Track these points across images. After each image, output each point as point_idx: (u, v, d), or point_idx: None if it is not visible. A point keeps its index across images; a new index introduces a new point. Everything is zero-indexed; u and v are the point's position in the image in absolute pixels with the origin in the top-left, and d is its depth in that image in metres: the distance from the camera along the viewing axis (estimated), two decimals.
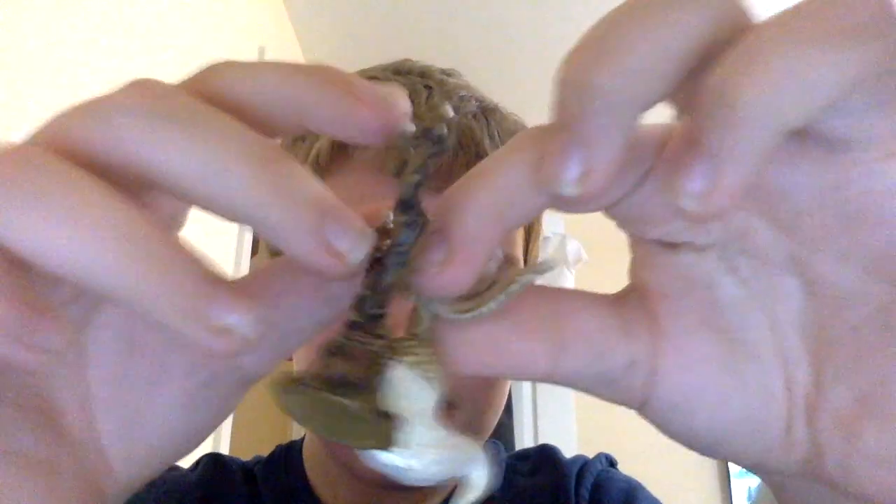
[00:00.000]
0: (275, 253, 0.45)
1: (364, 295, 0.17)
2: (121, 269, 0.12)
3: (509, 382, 0.44)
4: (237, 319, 0.13)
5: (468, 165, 0.22)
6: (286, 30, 1.82)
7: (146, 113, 0.14)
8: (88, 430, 0.18)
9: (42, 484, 0.16)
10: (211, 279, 0.13)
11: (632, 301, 0.19)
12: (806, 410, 0.17)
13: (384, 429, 0.17)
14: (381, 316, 0.17)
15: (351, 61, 1.95)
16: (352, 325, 0.17)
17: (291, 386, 0.17)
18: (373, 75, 0.44)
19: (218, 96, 0.15)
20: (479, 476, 0.19)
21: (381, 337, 0.17)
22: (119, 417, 0.18)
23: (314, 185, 0.14)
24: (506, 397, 0.45)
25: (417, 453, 0.18)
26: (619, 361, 0.17)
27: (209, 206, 0.14)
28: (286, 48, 1.82)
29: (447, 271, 0.15)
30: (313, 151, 0.43)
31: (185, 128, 0.13)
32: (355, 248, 0.14)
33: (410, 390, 0.17)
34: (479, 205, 0.16)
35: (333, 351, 0.17)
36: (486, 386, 0.41)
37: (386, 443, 0.17)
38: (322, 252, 0.14)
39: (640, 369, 0.18)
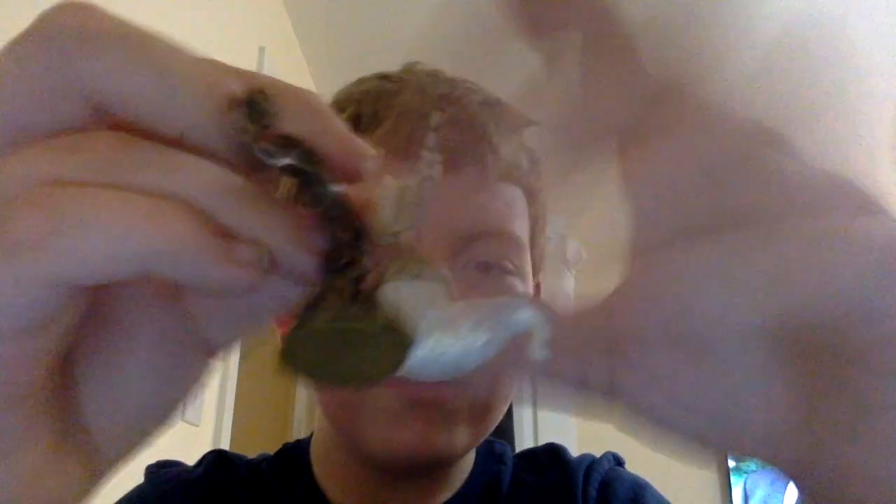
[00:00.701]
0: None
1: (333, 248, 0.17)
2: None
3: None
4: (251, 252, 0.15)
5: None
6: (286, 30, 1.82)
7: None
8: (76, 411, 0.19)
9: (64, 470, 0.17)
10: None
11: (595, 314, 0.18)
12: (807, 416, 0.17)
13: (398, 342, 0.17)
14: (353, 262, 0.17)
15: (351, 61, 1.96)
16: (330, 276, 0.17)
17: (295, 334, 0.17)
18: (370, 87, 0.44)
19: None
20: (531, 315, 0.17)
21: (358, 277, 0.17)
22: (96, 394, 0.19)
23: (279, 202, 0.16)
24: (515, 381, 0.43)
25: (449, 331, 0.17)
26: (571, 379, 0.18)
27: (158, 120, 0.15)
28: (286, 48, 1.82)
29: None
30: None
31: (133, 47, 0.15)
32: (253, 262, 0.15)
33: (410, 291, 0.17)
34: None
35: (320, 297, 0.17)
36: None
37: (402, 356, 0.17)
38: (302, 249, 0.16)
39: (597, 387, 0.18)
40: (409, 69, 0.46)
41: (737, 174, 0.15)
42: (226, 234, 0.15)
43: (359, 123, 0.40)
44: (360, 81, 0.45)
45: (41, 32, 0.15)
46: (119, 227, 0.14)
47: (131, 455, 0.20)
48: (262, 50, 1.56)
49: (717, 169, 0.15)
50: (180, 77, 0.15)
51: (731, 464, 2.22)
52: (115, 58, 0.14)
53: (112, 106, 0.15)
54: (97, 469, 0.19)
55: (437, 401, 0.38)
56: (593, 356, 0.18)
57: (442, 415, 0.39)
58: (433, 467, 0.43)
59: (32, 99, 0.15)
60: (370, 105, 0.41)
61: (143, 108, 0.15)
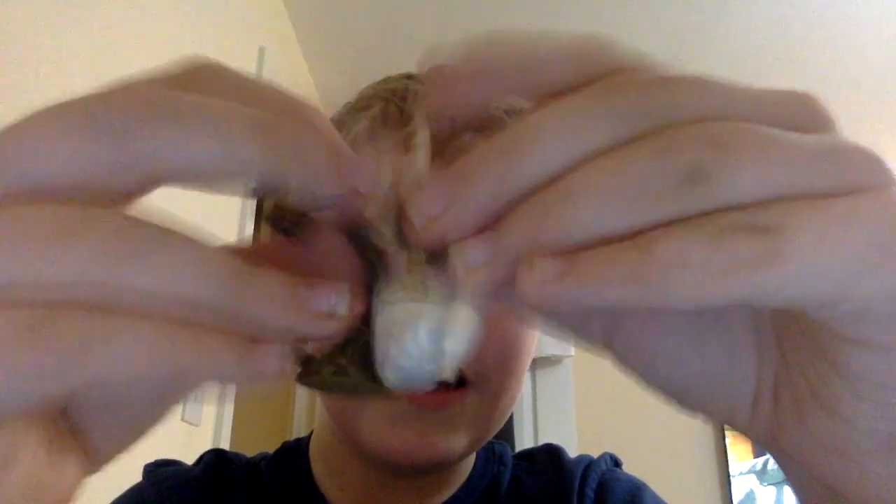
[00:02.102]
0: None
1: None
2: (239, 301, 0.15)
3: (527, 369, 0.43)
4: (335, 302, 0.15)
5: None
6: (286, 30, 1.82)
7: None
8: (70, 413, 0.19)
9: (70, 467, 0.19)
10: (301, 281, 0.15)
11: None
12: (773, 387, 0.19)
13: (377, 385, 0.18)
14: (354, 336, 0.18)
15: (350, 61, 1.96)
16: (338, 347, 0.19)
17: (306, 379, 0.19)
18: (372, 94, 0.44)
19: None
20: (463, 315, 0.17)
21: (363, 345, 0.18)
22: (95, 404, 0.19)
23: (277, 276, 0.15)
24: (523, 385, 0.43)
25: (408, 342, 0.17)
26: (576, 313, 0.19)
27: (224, 178, 0.15)
28: (286, 48, 1.82)
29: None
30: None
31: (188, 120, 0.14)
32: (337, 304, 0.16)
33: (404, 315, 0.17)
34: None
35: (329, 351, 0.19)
36: (504, 369, 0.40)
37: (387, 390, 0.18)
38: (312, 321, 0.15)
39: (597, 324, 0.20)
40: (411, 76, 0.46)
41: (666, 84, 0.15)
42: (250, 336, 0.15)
43: (385, 122, 0.40)
44: (387, 80, 0.45)
45: (107, 103, 0.14)
46: (160, 351, 0.14)
47: (128, 449, 0.21)
48: (261, 50, 1.56)
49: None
50: (243, 156, 0.15)
51: (732, 465, 2.22)
52: (175, 143, 0.14)
53: (161, 181, 0.15)
54: (93, 468, 0.20)
55: (439, 404, 0.38)
56: (594, 316, 0.20)
57: (442, 418, 0.39)
58: (431, 469, 0.43)
59: (68, 165, 0.14)
60: (396, 104, 0.41)
61: (199, 183, 0.15)
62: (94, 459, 0.20)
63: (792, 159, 0.14)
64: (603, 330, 0.20)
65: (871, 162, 0.14)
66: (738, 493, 2.19)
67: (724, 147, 0.14)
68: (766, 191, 0.14)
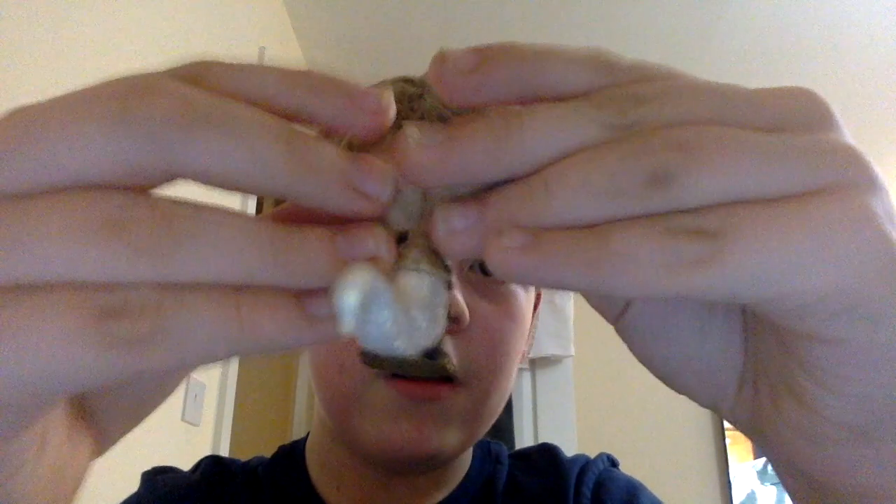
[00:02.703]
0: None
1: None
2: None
3: (516, 368, 0.45)
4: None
5: None
6: (286, 30, 1.82)
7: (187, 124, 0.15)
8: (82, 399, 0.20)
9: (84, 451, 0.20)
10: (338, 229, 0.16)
11: None
12: (754, 375, 0.20)
13: None
14: None
15: (350, 61, 1.96)
16: None
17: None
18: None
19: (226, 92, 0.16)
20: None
21: None
22: (104, 398, 0.21)
23: (332, 150, 0.16)
24: (512, 383, 0.44)
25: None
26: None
27: (253, 190, 0.16)
28: (286, 48, 1.82)
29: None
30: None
31: (222, 130, 0.15)
32: (382, 187, 0.17)
33: (417, 283, 0.18)
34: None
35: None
36: (493, 367, 0.42)
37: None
38: (356, 198, 0.16)
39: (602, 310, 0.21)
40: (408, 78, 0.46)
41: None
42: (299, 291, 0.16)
43: None
44: (382, 83, 0.45)
45: (135, 104, 0.14)
46: (217, 328, 0.15)
47: (130, 431, 0.22)
48: (262, 50, 1.56)
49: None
50: (271, 164, 0.15)
51: (732, 465, 2.22)
52: (208, 147, 0.15)
53: (191, 179, 0.15)
54: (100, 452, 0.21)
55: (433, 396, 0.39)
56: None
57: (436, 413, 0.40)
58: (427, 465, 0.43)
59: (102, 160, 0.14)
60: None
61: (228, 183, 0.15)
62: (102, 443, 0.21)
63: (753, 164, 0.15)
64: (619, 305, 0.21)
65: (847, 162, 0.15)
66: (738, 493, 2.19)
67: (689, 151, 0.15)
68: (721, 195, 0.15)
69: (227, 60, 0.17)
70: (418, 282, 0.18)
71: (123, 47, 0.98)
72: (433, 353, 0.38)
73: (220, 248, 0.15)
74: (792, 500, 0.21)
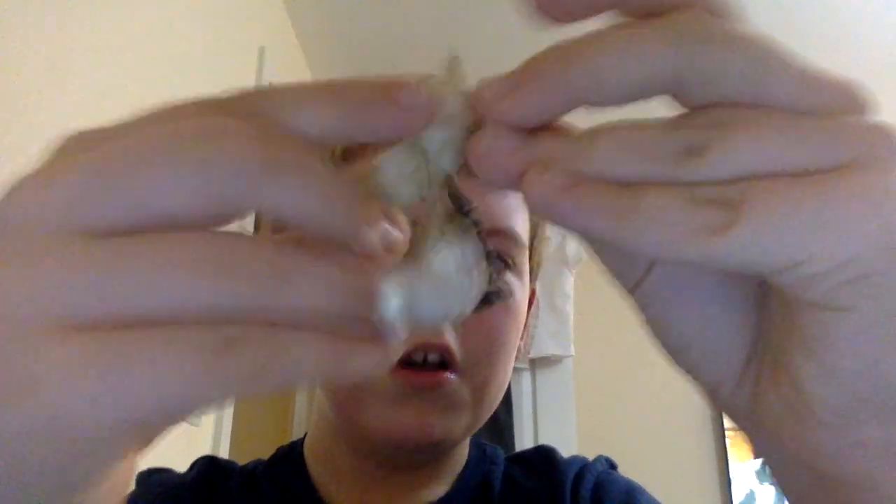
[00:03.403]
0: (277, 230, 0.46)
1: None
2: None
3: (512, 359, 0.46)
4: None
5: None
6: (286, 30, 1.82)
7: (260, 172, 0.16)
8: None
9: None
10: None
11: None
12: (761, 356, 0.20)
13: None
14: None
15: (351, 61, 1.96)
16: None
17: None
18: None
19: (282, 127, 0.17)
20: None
21: None
22: None
23: (377, 206, 0.18)
24: (509, 374, 0.46)
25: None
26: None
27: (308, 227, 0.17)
28: (286, 48, 1.82)
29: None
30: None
31: (296, 178, 0.16)
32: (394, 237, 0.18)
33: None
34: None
35: None
36: (491, 358, 0.44)
37: None
38: (382, 238, 0.17)
39: (643, 258, 0.21)
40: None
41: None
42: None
43: None
44: None
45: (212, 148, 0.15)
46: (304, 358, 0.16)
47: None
48: (261, 50, 1.56)
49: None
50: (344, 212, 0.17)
51: (732, 465, 2.22)
52: (283, 192, 0.16)
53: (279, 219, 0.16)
54: (146, 444, 0.21)
55: (435, 384, 0.41)
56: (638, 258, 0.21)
57: (437, 400, 0.41)
58: (431, 453, 0.44)
59: (190, 200, 0.15)
60: None
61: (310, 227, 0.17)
62: (145, 444, 0.21)
63: (780, 141, 0.16)
64: (639, 272, 0.21)
65: (873, 140, 0.16)
66: (738, 493, 2.19)
67: (724, 129, 0.16)
68: (746, 169, 0.16)
69: (279, 91, 0.18)
70: (447, 254, 0.19)
71: (124, 47, 0.98)
72: (487, 300, 0.42)
73: (319, 284, 0.16)
74: (785, 496, 0.22)
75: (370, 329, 0.17)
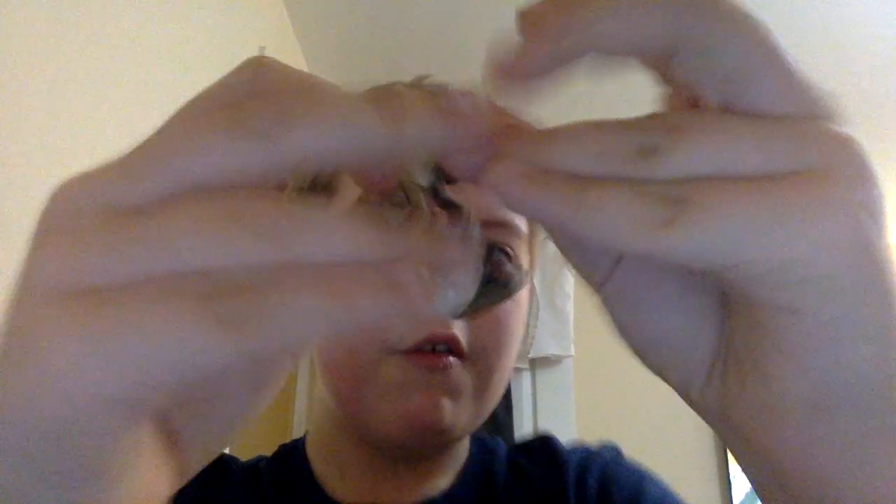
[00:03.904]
0: None
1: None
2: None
3: (517, 347, 0.47)
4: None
5: None
6: (286, 30, 1.82)
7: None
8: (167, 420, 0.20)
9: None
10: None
11: None
12: (727, 354, 0.20)
13: None
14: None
15: (351, 62, 1.96)
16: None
17: None
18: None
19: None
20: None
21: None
22: (195, 409, 0.21)
23: (411, 95, 0.17)
24: (513, 362, 0.47)
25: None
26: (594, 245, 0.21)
27: (357, 161, 0.17)
28: (286, 48, 1.82)
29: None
30: None
31: (316, 114, 0.16)
32: (471, 106, 0.18)
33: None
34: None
35: None
36: (497, 345, 0.44)
37: None
38: (454, 126, 0.17)
39: (604, 262, 0.22)
40: (418, 82, 0.47)
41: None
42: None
43: None
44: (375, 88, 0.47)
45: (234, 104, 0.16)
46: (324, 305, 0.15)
47: (212, 459, 0.23)
48: (262, 50, 1.56)
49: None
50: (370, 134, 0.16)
51: (732, 465, 2.22)
52: (317, 136, 0.16)
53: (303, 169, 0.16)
54: (182, 480, 0.21)
55: (444, 366, 0.42)
56: (602, 254, 0.22)
57: (446, 384, 0.42)
58: (439, 440, 0.44)
59: (224, 166, 0.16)
60: None
61: (337, 165, 0.17)
62: (183, 473, 0.21)
63: (737, 146, 0.16)
64: (604, 270, 0.22)
65: (834, 149, 0.16)
66: (738, 493, 2.19)
67: (680, 132, 0.17)
68: (699, 171, 0.16)
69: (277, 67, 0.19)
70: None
71: (124, 46, 0.98)
72: (490, 278, 0.43)
73: (327, 232, 0.16)
74: (757, 494, 0.22)
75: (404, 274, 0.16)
